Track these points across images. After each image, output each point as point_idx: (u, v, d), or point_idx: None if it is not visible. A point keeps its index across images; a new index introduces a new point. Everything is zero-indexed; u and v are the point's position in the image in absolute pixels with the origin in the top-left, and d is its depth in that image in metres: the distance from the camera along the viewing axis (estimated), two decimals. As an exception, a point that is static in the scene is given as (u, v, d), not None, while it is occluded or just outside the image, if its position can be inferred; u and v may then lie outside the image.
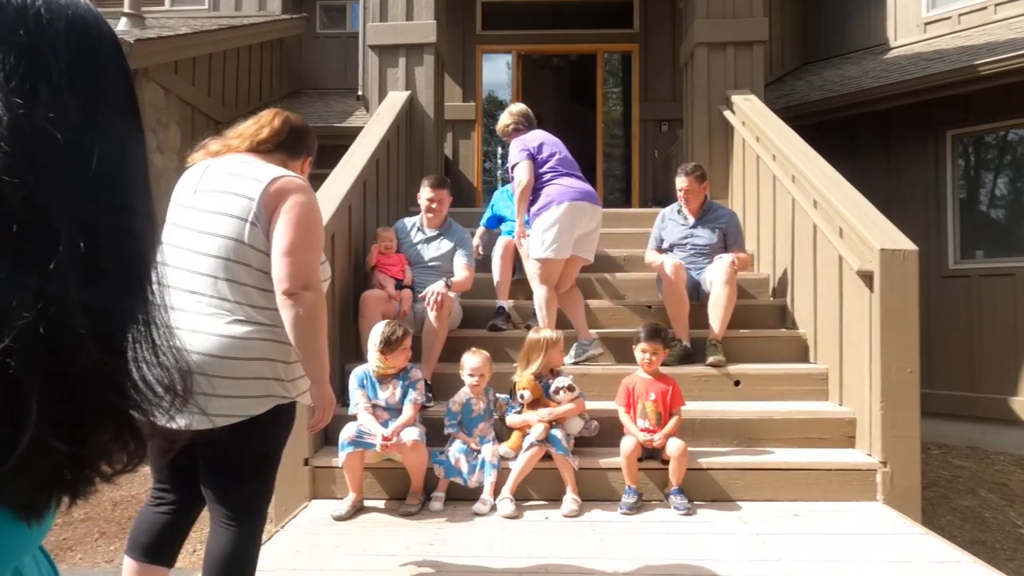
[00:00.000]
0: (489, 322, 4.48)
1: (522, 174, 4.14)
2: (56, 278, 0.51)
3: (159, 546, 2.08)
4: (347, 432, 3.28)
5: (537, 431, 3.33)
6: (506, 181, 5.38)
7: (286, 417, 2.04)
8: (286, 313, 1.93)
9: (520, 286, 4.74)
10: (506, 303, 4.60)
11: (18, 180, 0.49)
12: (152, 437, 0.59)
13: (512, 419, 3.46)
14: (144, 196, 0.59)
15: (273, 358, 1.96)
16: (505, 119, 4.54)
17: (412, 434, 3.25)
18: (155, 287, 0.59)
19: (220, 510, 1.98)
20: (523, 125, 4.47)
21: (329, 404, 2.09)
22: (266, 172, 1.99)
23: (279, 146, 2.15)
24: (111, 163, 0.54)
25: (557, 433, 3.35)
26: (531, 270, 4.25)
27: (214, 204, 1.98)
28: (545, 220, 4.02)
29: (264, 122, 2.17)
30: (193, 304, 1.91)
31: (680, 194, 4.58)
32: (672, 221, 4.68)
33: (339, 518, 3.19)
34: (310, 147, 2.28)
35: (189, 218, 2.00)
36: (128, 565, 2.07)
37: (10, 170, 0.49)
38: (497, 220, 5.05)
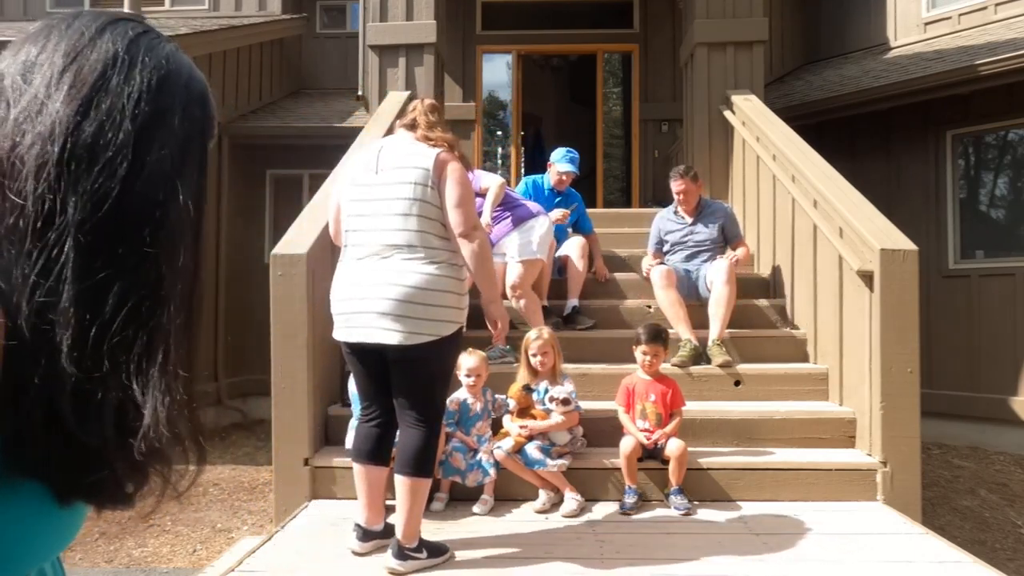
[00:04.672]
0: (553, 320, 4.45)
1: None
2: (54, 276, 0.55)
3: (376, 450, 2.76)
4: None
5: (507, 444, 3.29)
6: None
7: (459, 339, 2.69)
8: (465, 249, 2.59)
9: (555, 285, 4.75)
10: (545, 302, 4.58)
11: (52, 179, 0.56)
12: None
13: (506, 424, 3.44)
14: (179, 237, 0.64)
15: (455, 291, 2.61)
16: None
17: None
18: (170, 350, 0.63)
19: (412, 414, 2.62)
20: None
21: (504, 318, 2.76)
22: (430, 149, 2.66)
23: (431, 127, 2.77)
24: (144, 188, 0.61)
25: (530, 448, 3.29)
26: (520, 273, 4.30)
27: (397, 176, 2.62)
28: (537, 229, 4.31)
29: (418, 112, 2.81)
30: (394, 253, 2.56)
31: (678, 196, 4.68)
32: (670, 222, 4.78)
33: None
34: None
35: (376, 190, 2.65)
36: (357, 470, 2.78)
37: (45, 168, 0.56)
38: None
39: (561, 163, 4.85)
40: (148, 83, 0.63)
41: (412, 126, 2.77)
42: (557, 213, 4.75)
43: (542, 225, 4.37)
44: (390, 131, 2.95)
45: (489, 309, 2.73)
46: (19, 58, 0.62)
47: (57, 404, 0.56)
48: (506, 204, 4.40)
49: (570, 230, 4.98)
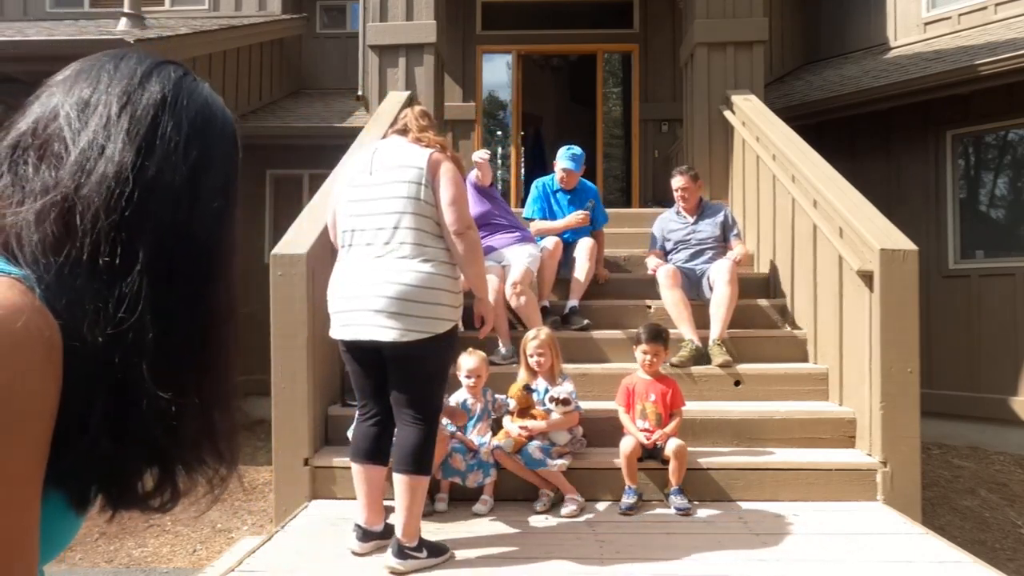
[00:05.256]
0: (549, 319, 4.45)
1: None
2: (127, 307, 0.60)
3: (374, 449, 2.78)
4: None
5: (507, 444, 3.29)
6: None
7: (455, 337, 2.73)
8: (458, 246, 2.63)
9: (562, 285, 4.75)
10: (546, 302, 4.59)
11: (115, 217, 0.61)
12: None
13: (506, 424, 3.44)
14: (220, 271, 0.70)
15: (450, 289, 2.65)
16: None
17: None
18: (226, 370, 0.70)
19: (409, 412, 2.64)
20: None
21: (491, 313, 2.86)
22: (423, 149, 2.71)
23: (422, 130, 2.84)
24: (200, 224, 0.66)
25: (531, 448, 3.29)
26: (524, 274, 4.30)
27: (392, 176, 2.67)
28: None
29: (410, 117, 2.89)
30: (390, 252, 2.60)
31: (678, 194, 4.75)
32: (673, 222, 4.84)
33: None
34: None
35: (371, 191, 2.69)
36: (355, 469, 2.80)
37: (110, 207, 0.61)
38: (541, 214, 4.99)
39: (560, 160, 4.88)
40: (194, 124, 0.68)
41: (404, 131, 2.84)
42: (578, 216, 4.77)
43: (530, 253, 4.40)
44: (384, 137, 2.97)
45: (477, 306, 2.83)
46: (72, 97, 0.66)
47: (126, 422, 0.60)
48: (507, 223, 4.47)
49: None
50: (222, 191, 0.69)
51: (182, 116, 0.67)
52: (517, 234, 4.49)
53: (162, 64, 0.71)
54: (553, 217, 4.89)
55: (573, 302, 4.57)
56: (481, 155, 4.26)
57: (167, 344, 0.62)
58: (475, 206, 4.23)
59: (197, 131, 0.68)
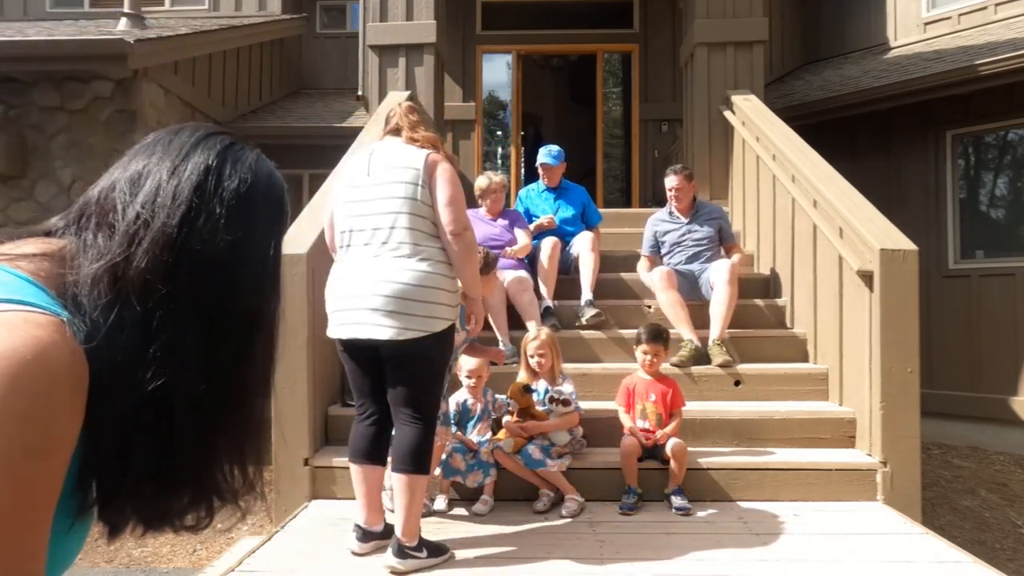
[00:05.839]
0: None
1: None
2: (173, 357, 0.66)
3: (373, 449, 2.78)
4: None
5: (507, 444, 3.29)
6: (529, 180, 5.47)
7: (452, 336, 2.74)
8: (453, 247, 2.64)
9: (566, 285, 4.76)
10: (551, 302, 4.59)
11: (161, 278, 0.66)
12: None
13: (506, 424, 3.44)
14: (265, 325, 0.76)
15: (447, 288, 2.65)
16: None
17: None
18: (257, 420, 0.76)
19: (406, 411, 2.64)
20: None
21: (481, 316, 2.89)
22: (420, 150, 2.73)
23: (413, 127, 2.85)
24: (241, 289, 0.72)
25: (530, 448, 3.29)
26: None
27: (389, 176, 2.68)
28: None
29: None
30: (387, 251, 2.60)
31: (671, 193, 4.70)
32: (666, 223, 4.78)
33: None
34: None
35: (369, 191, 2.70)
36: (354, 470, 2.80)
37: (157, 272, 0.66)
38: (528, 217, 5.04)
39: (539, 157, 5.01)
40: (237, 194, 0.72)
41: (397, 131, 2.86)
42: (543, 220, 4.87)
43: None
44: (381, 138, 2.98)
45: (470, 306, 2.86)
46: (128, 171, 0.72)
47: (165, 464, 0.67)
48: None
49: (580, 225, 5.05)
50: (268, 255, 0.74)
51: (224, 188, 0.71)
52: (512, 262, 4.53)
53: (211, 135, 0.75)
54: (539, 215, 4.99)
55: (588, 295, 4.56)
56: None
57: (207, 397, 0.68)
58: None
59: (239, 200, 0.72)
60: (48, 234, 0.71)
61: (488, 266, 3.39)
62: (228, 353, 0.70)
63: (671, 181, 4.68)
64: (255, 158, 0.77)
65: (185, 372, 0.66)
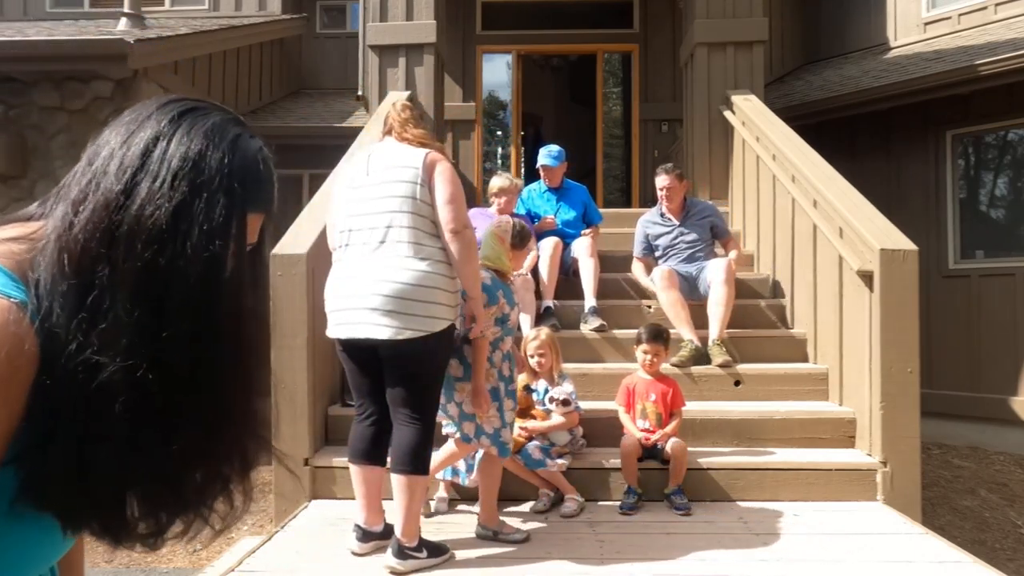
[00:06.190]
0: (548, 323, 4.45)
1: None
2: (115, 334, 0.61)
3: (372, 449, 2.78)
4: None
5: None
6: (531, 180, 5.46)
7: (451, 336, 2.71)
8: (453, 245, 2.61)
9: (566, 286, 4.75)
10: (552, 303, 4.58)
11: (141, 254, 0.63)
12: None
13: None
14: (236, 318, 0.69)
15: (446, 288, 2.63)
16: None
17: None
18: (242, 424, 0.71)
19: (405, 411, 2.64)
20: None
21: (483, 315, 2.78)
22: (418, 149, 2.72)
23: (404, 125, 2.83)
24: (189, 264, 0.65)
25: (530, 448, 3.29)
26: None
27: (388, 176, 2.68)
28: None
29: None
30: (386, 251, 2.59)
31: (662, 193, 4.65)
32: (657, 225, 4.73)
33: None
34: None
35: (368, 191, 2.69)
36: (354, 470, 2.80)
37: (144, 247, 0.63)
38: (530, 218, 5.04)
39: (540, 158, 5.00)
40: (184, 158, 0.67)
41: (391, 131, 2.86)
42: (546, 219, 4.88)
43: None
44: (380, 139, 2.97)
45: (468, 306, 2.83)
46: (93, 142, 0.70)
47: (95, 452, 0.61)
48: None
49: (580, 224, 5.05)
50: (217, 228, 0.66)
51: (171, 153, 0.66)
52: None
53: (169, 103, 0.71)
54: (542, 216, 4.99)
55: (591, 302, 4.53)
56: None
57: (154, 383, 0.61)
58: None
59: (189, 167, 0.66)
60: (29, 220, 0.70)
61: (523, 240, 3.14)
62: (178, 333, 0.63)
63: (661, 180, 4.63)
64: (217, 122, 0.71)
65: (130, 352, 0.60)
